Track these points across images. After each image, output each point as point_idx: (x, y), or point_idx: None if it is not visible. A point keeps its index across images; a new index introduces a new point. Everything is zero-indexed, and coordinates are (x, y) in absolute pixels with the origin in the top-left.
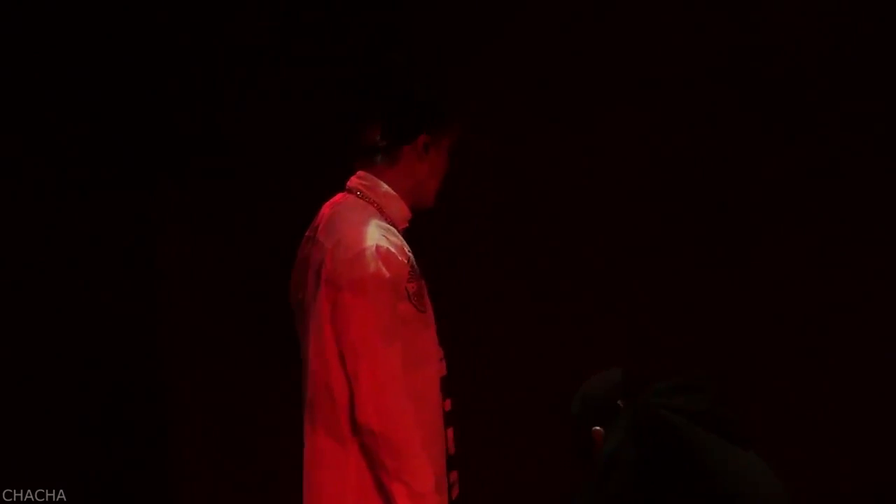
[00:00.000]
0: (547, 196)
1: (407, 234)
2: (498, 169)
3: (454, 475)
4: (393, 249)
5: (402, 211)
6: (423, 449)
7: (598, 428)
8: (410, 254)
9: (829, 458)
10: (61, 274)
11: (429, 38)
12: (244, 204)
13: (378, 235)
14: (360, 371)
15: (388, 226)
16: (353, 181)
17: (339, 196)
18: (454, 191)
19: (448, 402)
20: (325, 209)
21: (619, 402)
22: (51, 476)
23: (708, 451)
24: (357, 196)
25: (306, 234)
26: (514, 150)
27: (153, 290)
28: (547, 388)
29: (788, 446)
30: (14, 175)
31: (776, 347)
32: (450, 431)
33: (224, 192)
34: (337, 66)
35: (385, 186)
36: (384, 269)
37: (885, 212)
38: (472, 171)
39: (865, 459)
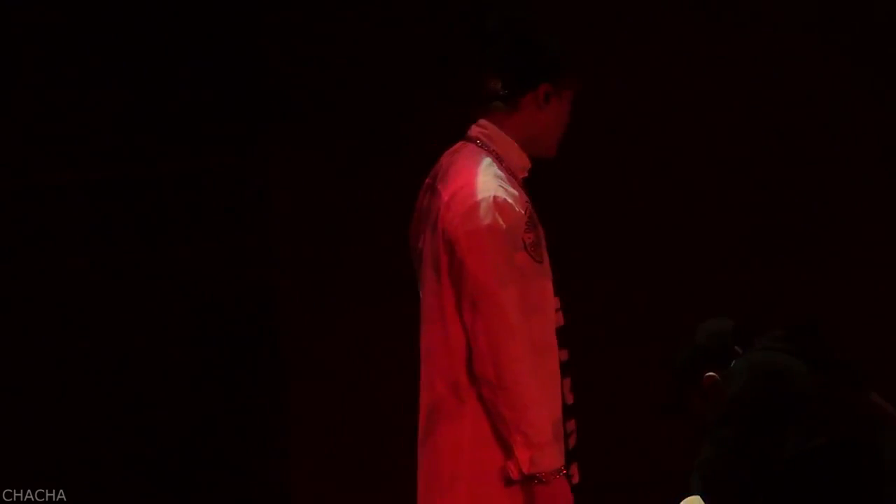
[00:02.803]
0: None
1: (526, 184)
2: None
3: (571, 424)
4: (510, 199)
5: (521, 160)
6: (541, 399)
7: (711, 373)
8: (528, 203)
9: None
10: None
11: None
12: (357, 152)
13: (495, 186)
14: (478, 322)
15: (506, 175)
16: (473, 130)
17: (458, 144)
18: (576, 143)
19: (565, 352)
20: (444, 157)
21: (736, 347)
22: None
23: (827, 395)
24: (477, 145)
25: (426, 181)
26: None
27: (266, 239)
28: (658, 338)
29: None
30: (122, 131)
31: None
32: (567, 381)
33: (336, 141)
34: (458, 16)
35: (505, 135)
36: (500, 220)
37: None
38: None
39: None
